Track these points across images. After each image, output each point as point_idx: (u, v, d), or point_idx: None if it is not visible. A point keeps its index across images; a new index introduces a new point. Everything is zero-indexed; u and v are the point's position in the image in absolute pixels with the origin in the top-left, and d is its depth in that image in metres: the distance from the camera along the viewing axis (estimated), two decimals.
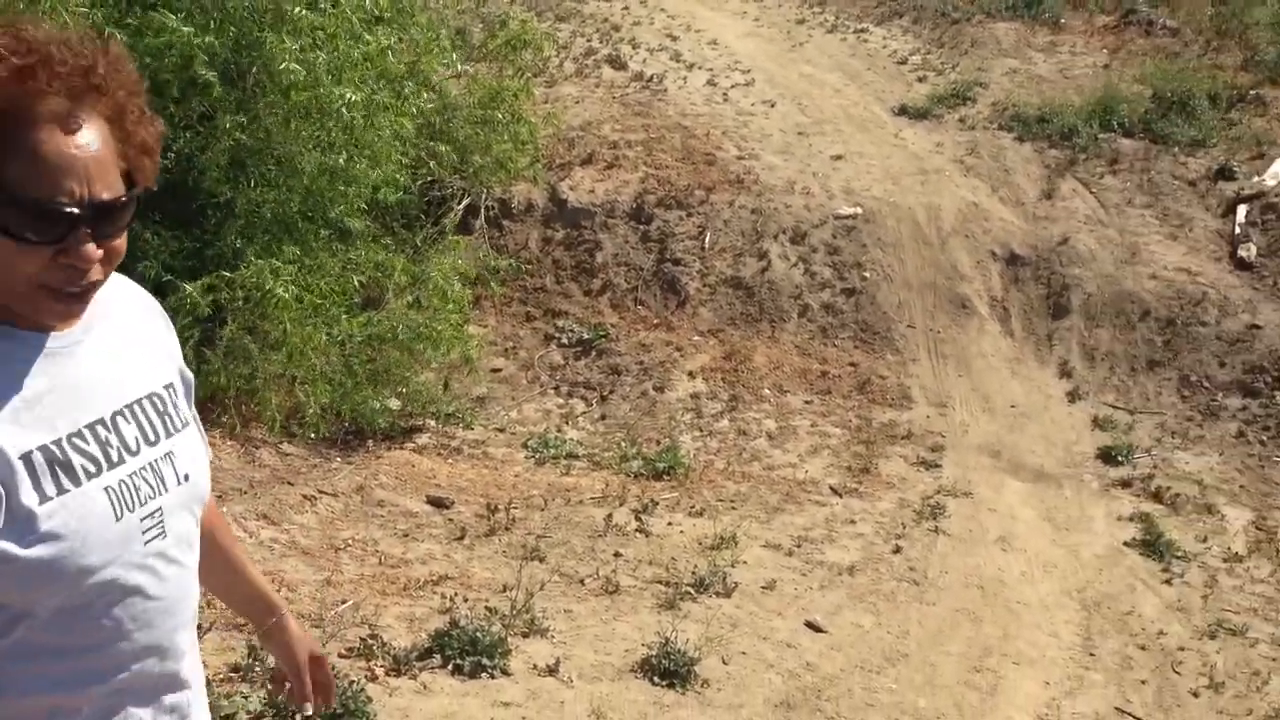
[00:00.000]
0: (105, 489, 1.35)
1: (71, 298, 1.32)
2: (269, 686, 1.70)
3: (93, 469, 1.35)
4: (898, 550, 5.75)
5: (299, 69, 6.05)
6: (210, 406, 5.96)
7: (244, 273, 6.07)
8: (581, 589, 4.87)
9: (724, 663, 4.39)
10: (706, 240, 8.90)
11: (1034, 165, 9.80)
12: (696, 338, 8.20)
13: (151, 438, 1.44)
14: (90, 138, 1.28)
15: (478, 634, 3.82)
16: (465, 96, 8.57)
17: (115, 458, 1.38)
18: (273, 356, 6.11)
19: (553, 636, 4.26)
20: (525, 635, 4.19)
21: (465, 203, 9.02)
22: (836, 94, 11.19)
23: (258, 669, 3.36)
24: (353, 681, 3.32)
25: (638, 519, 5.72)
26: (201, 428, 1.66)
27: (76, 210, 1.26)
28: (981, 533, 6.07)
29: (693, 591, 4.93)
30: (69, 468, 1.33)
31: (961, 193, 9.36)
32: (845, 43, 12.53)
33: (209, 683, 3.23)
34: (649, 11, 12.85)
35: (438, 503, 5.75)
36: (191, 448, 1.50)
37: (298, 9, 6.22)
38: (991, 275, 8.64)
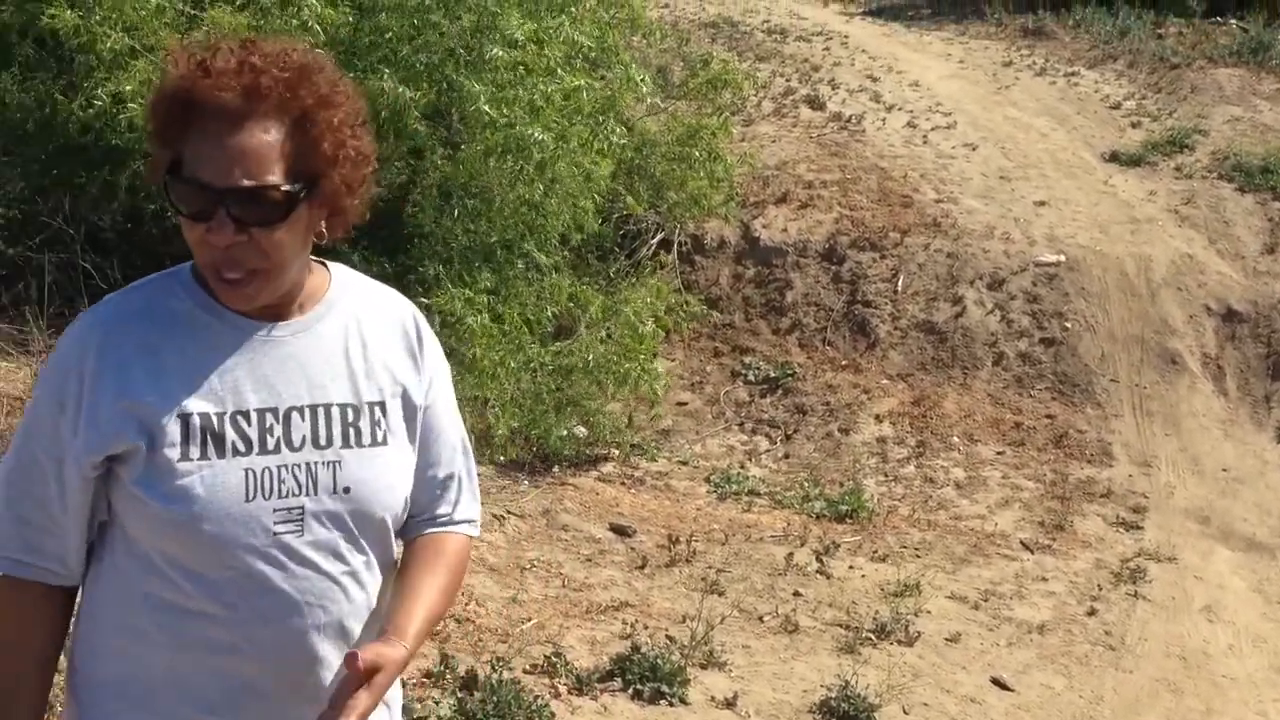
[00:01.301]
0: (246, 469, 1.42)
1: (227, 283, 1.42)
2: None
3: (242, 448, 1.43)
4: (1093, 612, 5.49)
5: (490, 112, 6.28)
6: None
7: (439, 299, 6.32)
8: (760, 626, 4.84)
9: (905, 712, 4.28)
10: (899, 283, 8.77)
11: (1256, 218, 9.27)
12: (885, 381, 8.07)
13: (322, 441, 1.47)
14: (253, 132, 1.39)
15: (658, 661, 3.85)
16: (664, 134, 8.73)
17: (271, 446, 1.44)
18: (466, 379, 6.33)
19: (730, 670, 4.25)
20: (704, 667, 4.19)
21: (659, 238, 9.16)
22: (1043, 138, 10.88)
23: (449, 676, 3.46)
24: (537, 696, 3.39)
25: (819, 560, 5.65)
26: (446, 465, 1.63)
27: (212, 187, 1.38)
28: (1185, 601, 5.73)
29: (874, 637, 4.83)
30: (220, 440, 1.42)
31: (1175, 244, 8.94)
32: (1054, 86, 12.17)
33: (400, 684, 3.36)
34: (850, 53, 12.81)
35: (620, 530, 5.82)
36: (371, 468, 1.50)
37: (497, 50, 6.46)
38: (1205, 331, 8.20)
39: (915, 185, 9.87)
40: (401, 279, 6.63)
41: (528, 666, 3.80)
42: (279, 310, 1.50)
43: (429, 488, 1.62)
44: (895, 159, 10.30)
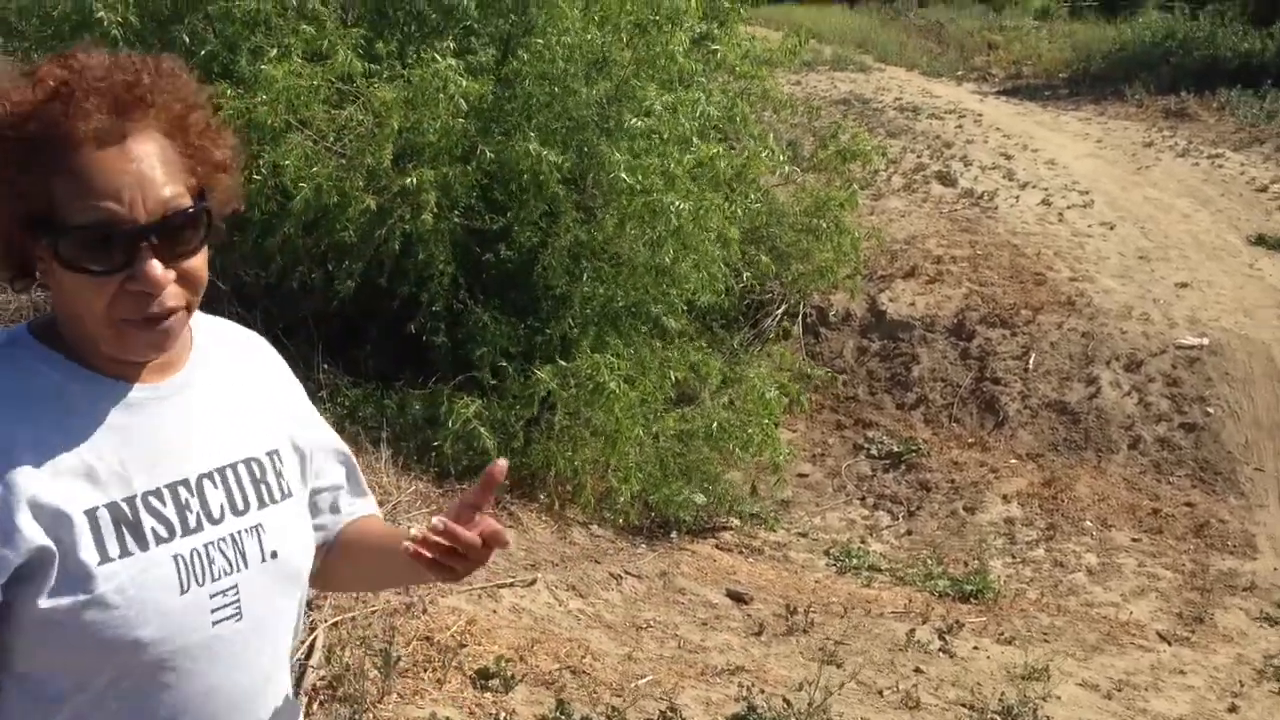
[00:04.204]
0: (174, 556, 1.22)
1: (152, 323, 1.19)
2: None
3: (164, 533, 1.22)
4: (1234, 709, 5.19)
5: (628, 179, 6.38)
6: (530, 484, 6.27)
7: (579, 363, 6.39)
8: (879, 700, 4.71)
9: None
10: (1031, 361, 8.57)
11: None
12: (1013, 460, 7.86)
13: (240, 506, 1.29)
14: (141, 152, 1.17)
15: None
16: (791, 204, 8.77)
17: (193, 524, 1.24)
18: (592, 443, 6.37)
19: None
20: None
21: (783, 309, 9.16)
22: (1184, 219, 10.59)
23: None
24: None
25: (941, 638, 5.48)
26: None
27: (129, 227, 1.15)
28: None
29: (999, 719, 4.65)
30: (137, 529, 1.20)
31: None
32: (1197, 168, 11.88)
33: None
34: (983, 130, 12.73)
35: (737, 597, 5.75)
36: (287, 522, 1.34)
37: (635, 120, 6.58)
38: None
39: (1049, 263, 9.69)
40: (530, 340, 6.75)
41: None
42: (160, 364, 1.28)
43: (331, 503, 1.51)
44: (1028, 236, 10.14)
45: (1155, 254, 9.87)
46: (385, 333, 6.86)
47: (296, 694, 1.43)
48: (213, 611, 1.23)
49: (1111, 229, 10.28)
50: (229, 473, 1.29)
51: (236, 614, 1.26)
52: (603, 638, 4.63)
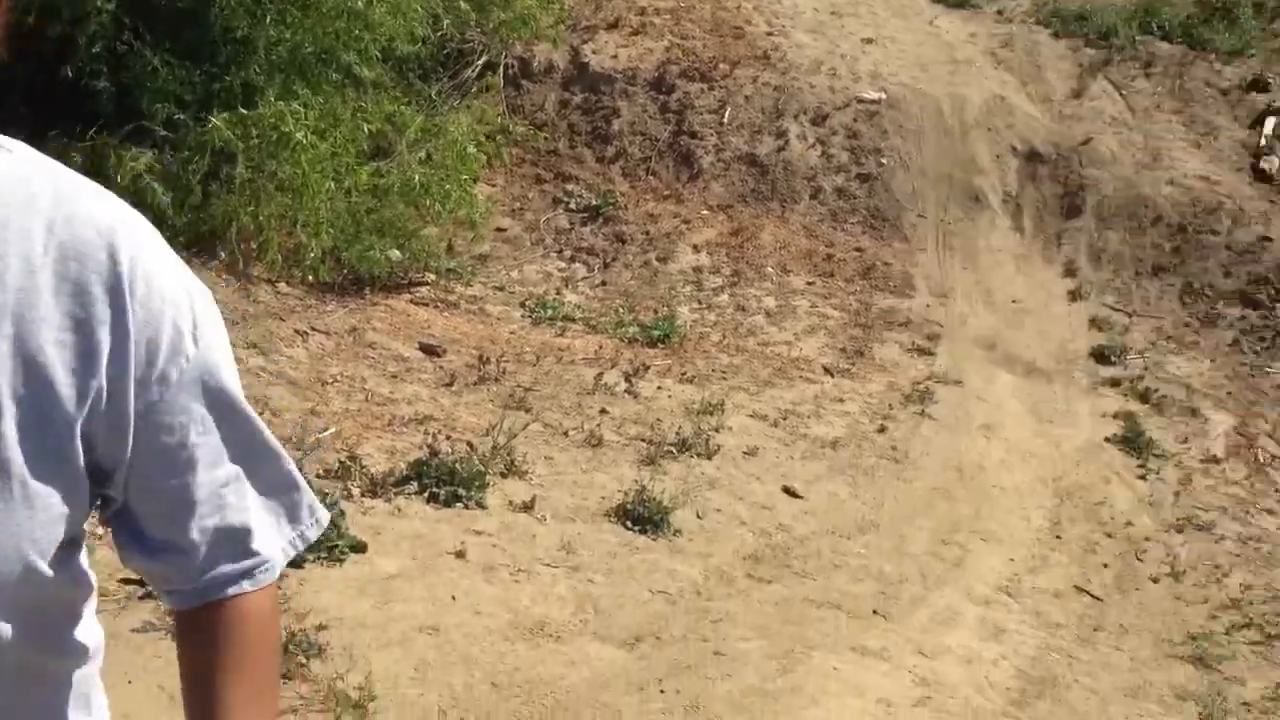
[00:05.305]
0: None
1: None
2: None
3: None
4: (882, 430, 5.81)
5: None
6: (210, 241, 6.00)
7: (263, 112, 6.04)
8: (565, 440, 4.96)
9: (698, 516, 4.49)
10: (726, 115, 8.79)
11: (1067, 63, 9.59)
12: (705, 212, 8.17)
13: None
14: None
15: (457, 466, 3.92)
16: None
17: None
18: (279, 197, 6.12)
19: (530, 479, 4.36)
20: (504, 475, 4.29)
21: (484, 59, 8.91)
22: None
23: None
24: (327, 494, 3.42)
25: (628, 381, 5.78)
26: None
27: None
28: (967, 420, 6.12)
29: (674, 450, 5.02)
30: None
31: (989, 85, 9.19)
32: None
33: None
34: None
35: (429, 350, 5.81)
36: None
37: None
38: (1009, 170, 8.54)
39: (748, 17, 9.82)
40: (208, 87, 6.29)
41: (321, 471, 3.82)
42: None
43: (186, 534, 0.99)
44: None
45: (846, 10, 10.17)
46: (37, 77, 6.20)
47: None
48: None
49: None
50: None
51: None
52: (285, 394, 4.60)
